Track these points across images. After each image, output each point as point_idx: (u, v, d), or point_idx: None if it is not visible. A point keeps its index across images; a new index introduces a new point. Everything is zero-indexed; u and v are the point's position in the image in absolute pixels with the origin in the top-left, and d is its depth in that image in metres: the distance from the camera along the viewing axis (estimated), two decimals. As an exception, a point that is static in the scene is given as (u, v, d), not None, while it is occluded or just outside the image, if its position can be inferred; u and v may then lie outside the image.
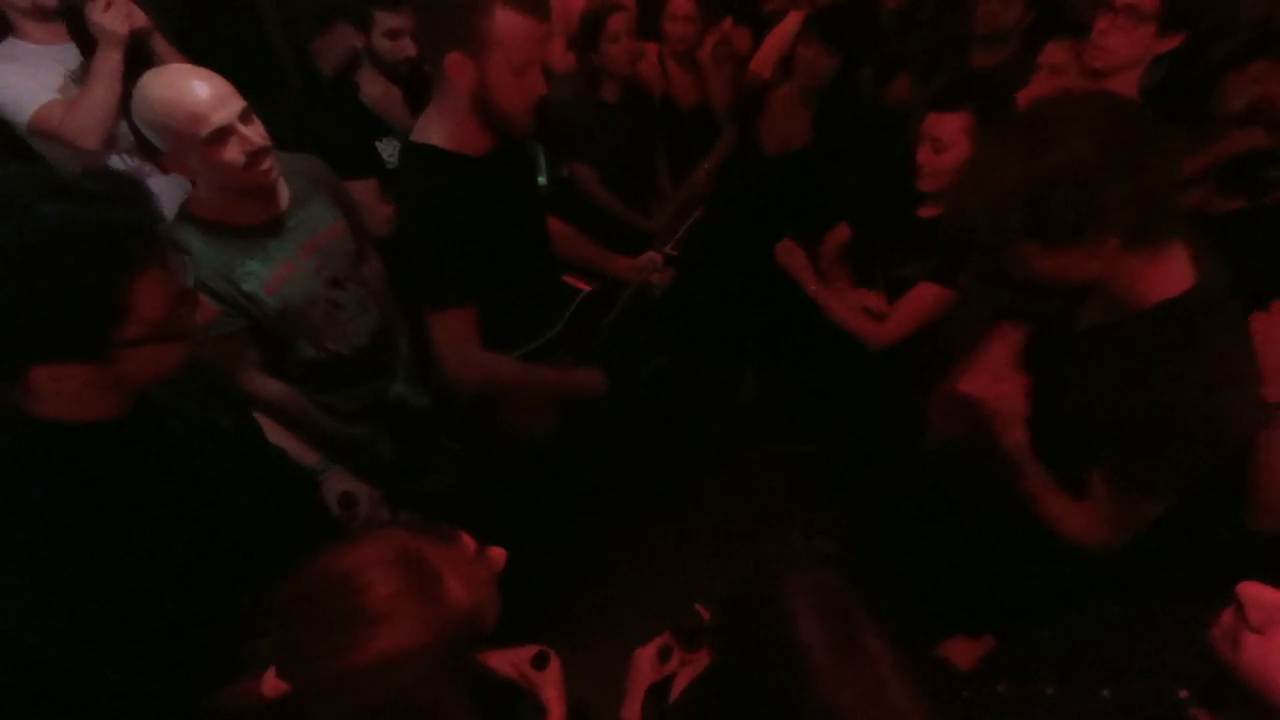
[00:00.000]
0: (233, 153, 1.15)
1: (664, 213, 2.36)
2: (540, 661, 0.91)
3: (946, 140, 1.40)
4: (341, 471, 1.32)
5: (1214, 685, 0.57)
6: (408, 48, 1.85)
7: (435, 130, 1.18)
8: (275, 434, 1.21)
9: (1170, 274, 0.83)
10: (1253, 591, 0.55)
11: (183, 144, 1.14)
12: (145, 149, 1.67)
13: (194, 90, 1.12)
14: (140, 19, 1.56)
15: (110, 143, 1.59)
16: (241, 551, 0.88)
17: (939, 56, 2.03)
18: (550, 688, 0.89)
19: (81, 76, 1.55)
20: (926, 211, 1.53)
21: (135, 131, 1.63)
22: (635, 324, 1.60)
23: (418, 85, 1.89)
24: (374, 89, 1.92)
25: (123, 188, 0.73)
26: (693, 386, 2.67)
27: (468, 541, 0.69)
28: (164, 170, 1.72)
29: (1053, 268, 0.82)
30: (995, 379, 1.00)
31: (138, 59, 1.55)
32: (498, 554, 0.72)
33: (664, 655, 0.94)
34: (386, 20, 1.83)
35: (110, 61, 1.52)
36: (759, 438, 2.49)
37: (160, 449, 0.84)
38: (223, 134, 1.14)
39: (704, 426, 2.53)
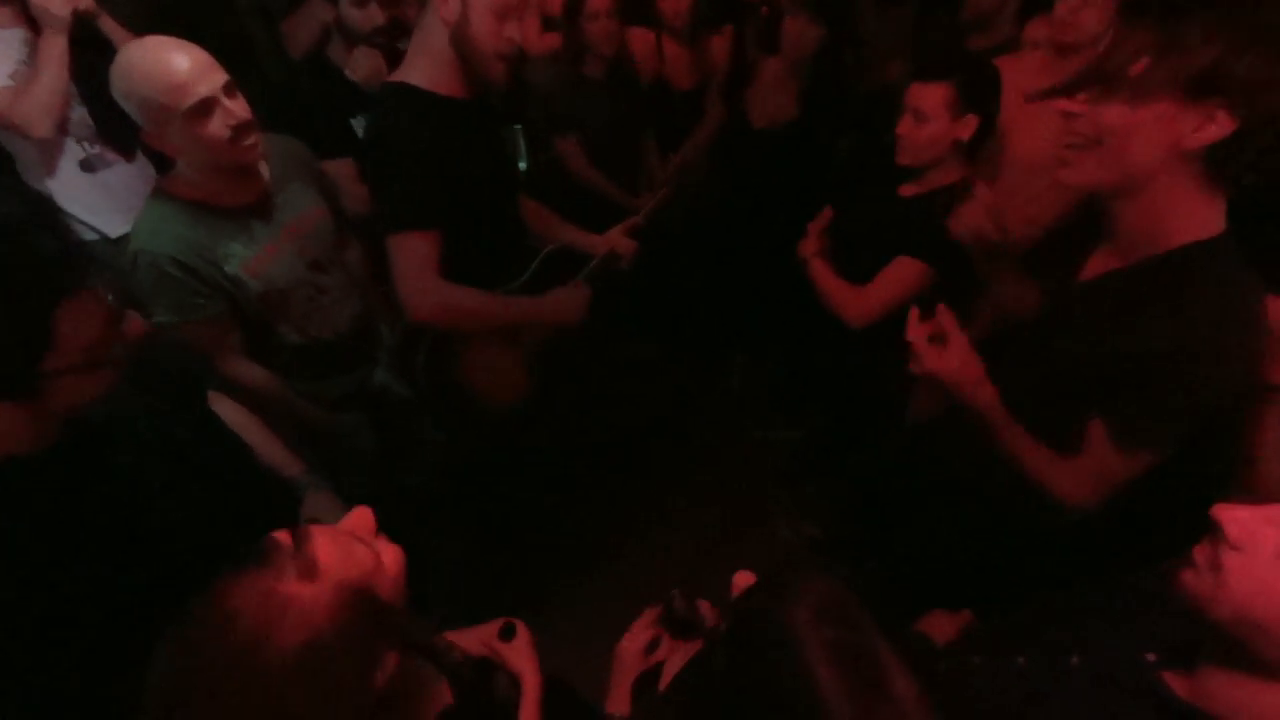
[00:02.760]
0: (217, 126, 1.12)
1: (652, 191, 2.34)
2: (507, 633, 0.91)
3: (928, 112, 1.37)
4: (328, 496, 1.20)
5: (1180, 648, 0.57)
6: (376, 15, 1.85)
7: (413, 71, 1.22)
8: (257, 445, 1.17)
9: (1204, 216, 0.82)
10: (1228, 511, 0.55)
11: (165, 118, 1.09)
12: (106, 135, 1.63)
13: (176, 61, 1.08)
14: (84, 1, 1.52)
15: (63, 129, 1.56)
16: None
17: (932, 40, 1.99)
18: (520, 657, 0.88)
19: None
20: (908, 190, 1.51)
21: (94, 117, 1.61)
22: (604, 297, 1.56)
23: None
24: (363, 65, 1.89)
25: (40, 209, 0.67)
26: (681, 373, 2.66)
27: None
28: (127, 158, 1.69)
29: (1137, 125, 0.77)
30: (940, 352, 1.00)
31: (88, 43, 1.51)
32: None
33: (651, 647, 0.94)
34: None
35: (56, 46, 1.48)
36: (745, 425, 2.49)
37: (98, 477, 0.78)
38: (207, 106, 1.10)
39: (691, 413, 2.52)
